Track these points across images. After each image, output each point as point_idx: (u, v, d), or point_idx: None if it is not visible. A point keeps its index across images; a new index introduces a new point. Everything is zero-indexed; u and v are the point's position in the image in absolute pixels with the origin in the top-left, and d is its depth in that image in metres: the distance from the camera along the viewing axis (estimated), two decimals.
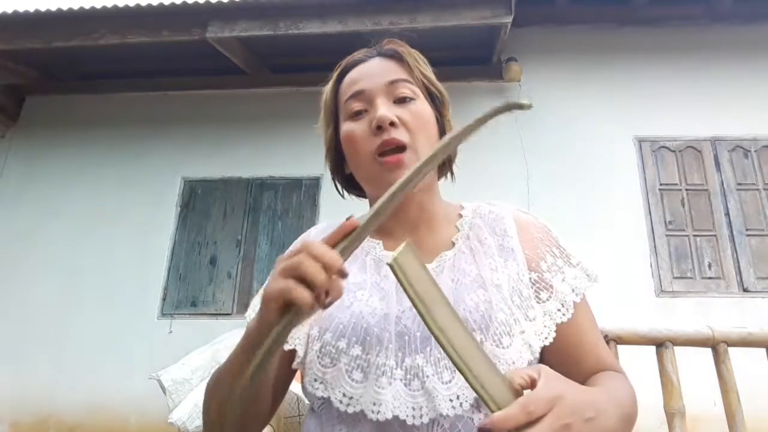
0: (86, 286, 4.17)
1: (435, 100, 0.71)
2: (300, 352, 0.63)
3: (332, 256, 0.45)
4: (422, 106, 0.68)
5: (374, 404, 0.56)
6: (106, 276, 4.18)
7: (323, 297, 0.44)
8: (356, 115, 0.67)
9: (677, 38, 4.29)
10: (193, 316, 4.00)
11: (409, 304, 0.61)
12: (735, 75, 4.15)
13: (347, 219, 0.46)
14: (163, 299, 4.09)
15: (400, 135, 0.64)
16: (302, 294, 0.43)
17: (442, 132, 0.71)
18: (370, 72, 0.68)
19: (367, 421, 0.56)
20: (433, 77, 0.71)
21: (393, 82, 0.66)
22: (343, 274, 0.45)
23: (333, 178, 0.77)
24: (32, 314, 4.13)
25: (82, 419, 3.80)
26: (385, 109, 0.64)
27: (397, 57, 0.69)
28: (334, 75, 0.73)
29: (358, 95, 0.67)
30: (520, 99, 0.45)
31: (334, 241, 0.47)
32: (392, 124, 0.64)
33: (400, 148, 0.64)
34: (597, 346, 0.65)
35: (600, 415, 0.49)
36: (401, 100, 0.66)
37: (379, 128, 0.64)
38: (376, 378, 0.57)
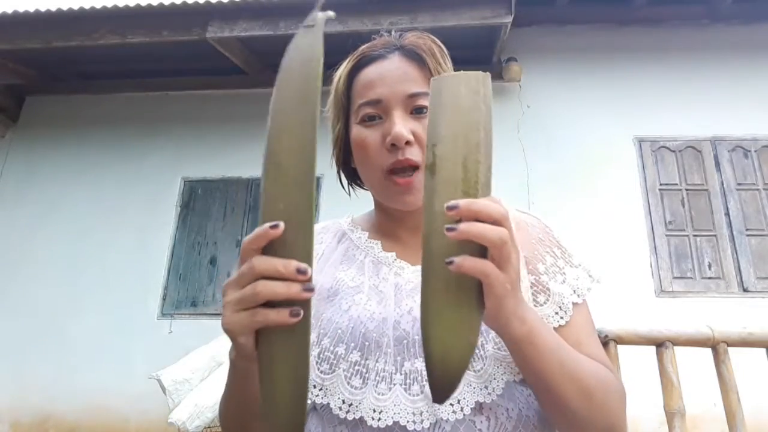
0: (86, 286, 4.17)
1: None
2: None
3: (283, 264, 0.41)
4: None
5: (374, 411, 0.55)
6: (106, 276, 4.18)
7: (297, 310, 0.41)
8: (369, 120, 0.65)
9: (677, 38, 4.29)
10: (193, 316, 4.00)
11: (407, 307, 0.60)
12: (735, 75, 4.15)
13: (272, 227, 0.42)
14: (163, 299, 4.09)
15: (413, 155, 0.62)
16: (273, 317, 0.41)
17: None
18: (390, 77, 0.65)
19: (367, 427, 0.56)
20: None
21: (412, 96, 0.64)
22: (301, 271, 0.41)
23: (338, 171, 0.75)
24: (32, 314, 4.13)
25: (82, 419, 3.80)
26: (401, 126, 0.62)
27: (418, 60, 0.65)
28: (350, 64, 0.69)
29: (374, 103, 0.64)
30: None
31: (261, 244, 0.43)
32: (407, 142, 0.62)
33: (413, 167, 0.63)
34: (589, 345, 0.63)
35: (541, 334, 0.49)
36: (418, 110, 0.64)
37: (394, 145, 0.62)
38: (375, 384, 0.56)
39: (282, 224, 0.42)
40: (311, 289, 0.42)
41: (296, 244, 0.43)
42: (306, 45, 0.48)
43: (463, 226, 0.41)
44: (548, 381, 0.50)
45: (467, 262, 0.41)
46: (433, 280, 0.44)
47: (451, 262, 0.41)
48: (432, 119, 0.48)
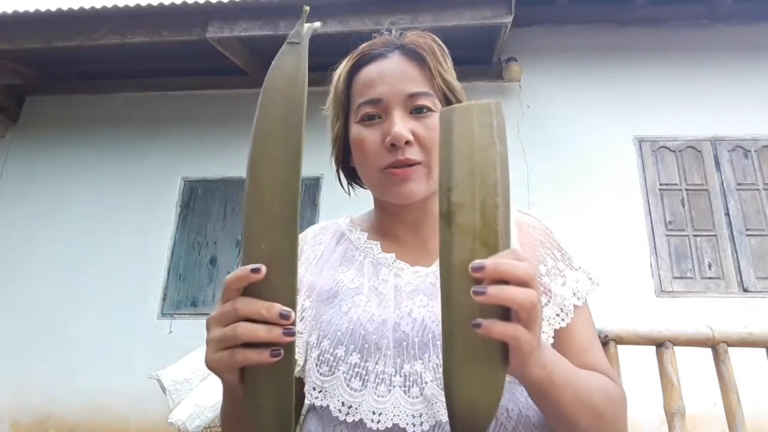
0: (86, 286, 4.17)
1: None
2: (300, 360, 0.62)
3: (266, 307, 0.42)
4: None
5: (374, 413, 0.55)
6: (106, 276, 4.18)
7: (278, 350, 0.42)
8: (369, 119, 0.64)
9: (677, 38, 4.29)
10: (193, 316, 4.00)
11: (407, 309, 0.60)
12: (735, 75, 4.15)
13: (253, 270, 0.42)
14: (163, 299, 4.09)
15: (413, 154, 0.62)
16: (254, 358, 0.42)
17: None
18: (390, 76, 0.64)
19: (367, 429, 0.55)
20: (454, 83, 0.67)
21: (412, 96, 0.63)
22: (284, 316, 0.42)
23: (337, 170, 0.75)
24: (32, 314, 4.13)
25: (82, 419, 3.80)
26: (401, 126, 0.61)
27: (419, 59, 0.65)
28: (350, 63, 0.68)
29: (374, 102, 0.63)
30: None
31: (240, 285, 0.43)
32: (407, 142, 0.61)
33: (413, 165, 0.62)
34: (592, 351, 0.64)
35: (559, 372, 0.49)
36: (418, 110, 0.63)
37: (393, 145, 0.61)
38: (375, 386, 0.56)
39: (264, 269, 0.42)
40: (293, 333, 0.42)
41: (280, 285, 0.43)
42: (290, 65, 0.47)
43: (492, 291, 0.40)
44: (563, 410, 0.51)
45: (497, 328, 0.40)
46: (456, 341, 0.43)
47: (477, 325, 0.40)
48: (444, 159, 0.46)
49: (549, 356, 0.49)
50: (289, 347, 0.43)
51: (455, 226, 0.43)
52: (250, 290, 0.43)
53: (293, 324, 0.42)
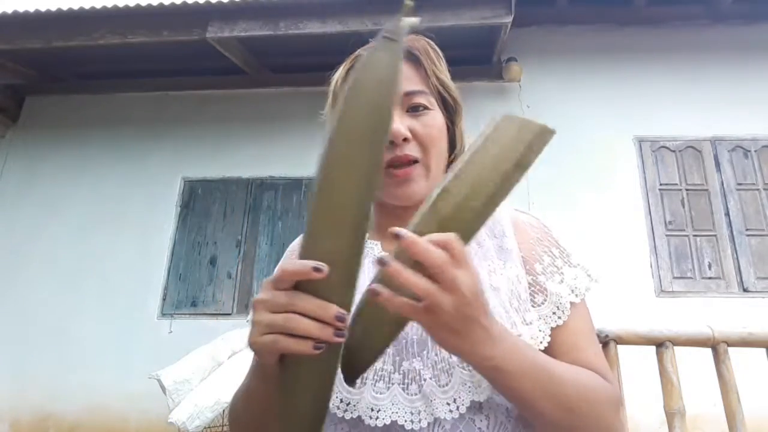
0: (86, 286, 4.17)
1: (448, 108, 0.69)
2: None
3: (323, 307, 0.42)
4: (435, 117, 0.66)
5: (372, 410, 0.55)
6: (106, 276, 4.18)
7: (321, 344, 0.43)
8: None
9: (677, 38, 4.29)
10: (193, 316, 4.00)
11: None
12: (735, 75, 4.15)
13: (315, 269, 0.41)
14: (163, 299, 4.09)
15: (411, 150, 0.63)
16: (296, 347, 0.42)
17: (451, 142, 0.70)
18: None
19: (365, 426, 0.56)
20: (449, 83, 0.69)
21: (408, 94, 0.65)
22: (339, 319, 0.42)
23: None
24: (32, 314, 4.13)
25: (82, 419, 3.80)
26: (398, 123, 0.62)
27: (414, 59, 0.67)
28: (347, 66, 0.70)
29: None
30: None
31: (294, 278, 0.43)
32: (405, 139, 0.62)
33: (412, 162, 0.64)
34: (587, 349, 0.63)
35: (513, 359, 0.48)
36: (414, 108, 0.65)
37: (392, 142, 0.62)
38: (373, 383, 0.57)
39: (326, 270, 0.41)
40: (344, 336, 0.43)
41: (338, 287, 0.43)
42: (383, 64, 0.44)
43: (391, 269, 0.40)
44: (524, 399, 0.50)
45: (395, 300, 0.42)
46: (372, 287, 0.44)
47: (376, 294, 0.42)
48: (468, 150, 0.48)
49: (499, 348, 0.47)
50: (335, 345, 0.43)
51: (432, 205, 0.45)
52: (305, 284, 0.43)
53: (346, 327, 0.43)
